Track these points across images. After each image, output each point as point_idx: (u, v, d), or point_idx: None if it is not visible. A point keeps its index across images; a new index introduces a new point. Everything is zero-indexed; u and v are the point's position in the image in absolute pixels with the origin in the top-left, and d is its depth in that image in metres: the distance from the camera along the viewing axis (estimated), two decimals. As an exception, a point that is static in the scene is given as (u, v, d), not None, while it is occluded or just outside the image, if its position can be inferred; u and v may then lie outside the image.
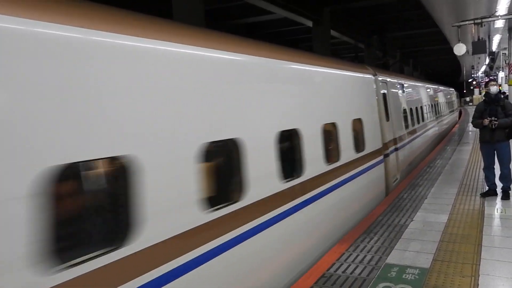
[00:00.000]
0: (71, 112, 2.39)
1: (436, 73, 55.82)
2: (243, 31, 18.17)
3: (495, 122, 7.31)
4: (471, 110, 46.69)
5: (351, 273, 4.67)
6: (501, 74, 29.56)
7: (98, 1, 2.96)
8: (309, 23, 17.11)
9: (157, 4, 13.29)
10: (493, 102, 7.50)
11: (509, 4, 13.54)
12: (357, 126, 7.16)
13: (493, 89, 7.54)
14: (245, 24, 18.58)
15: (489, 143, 7.60)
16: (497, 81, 8.07)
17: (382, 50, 25.79)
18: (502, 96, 7.82)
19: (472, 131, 21.32)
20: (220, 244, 3.51)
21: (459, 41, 15.29)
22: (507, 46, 21.13)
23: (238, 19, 17.77)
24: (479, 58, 30.56)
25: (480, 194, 7.87)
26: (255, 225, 4.02)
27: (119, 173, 2.72)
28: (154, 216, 2.86)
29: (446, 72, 55.49)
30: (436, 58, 38.54)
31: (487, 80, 12.83)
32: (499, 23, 17.00)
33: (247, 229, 3.90)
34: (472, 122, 7.94)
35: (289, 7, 14.80)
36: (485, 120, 7.40)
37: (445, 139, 18.56)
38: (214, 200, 3.53)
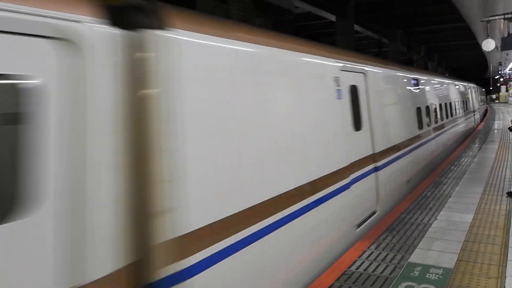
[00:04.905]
0: None
1: (461, 69, 54.66)
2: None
3: None
4: (497, 108, 45.73)
5: (373, 271, 4.63)
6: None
7: None
8: (333, 17, 16.93)
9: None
10: None
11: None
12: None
13: None
14: (268, 18, 18.49)
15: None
16: None
17: (407, 45, 25.33)
18: None
19: (497, 129, 20.83)
20: None
21: (488, 36, 14.91)
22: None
23: (261, 13, 17.69)
24: (507, 54, 29.72)
25: (507, 193, 7.70)
26: None
27: None
28: None
29: (472, 68, 54.26)
30: (462, 54, 37.69)
31: None
32: (530, 18, 16.45)
33: None
34: None
35: (313, 0, 14.66)
36: None
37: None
38: None
